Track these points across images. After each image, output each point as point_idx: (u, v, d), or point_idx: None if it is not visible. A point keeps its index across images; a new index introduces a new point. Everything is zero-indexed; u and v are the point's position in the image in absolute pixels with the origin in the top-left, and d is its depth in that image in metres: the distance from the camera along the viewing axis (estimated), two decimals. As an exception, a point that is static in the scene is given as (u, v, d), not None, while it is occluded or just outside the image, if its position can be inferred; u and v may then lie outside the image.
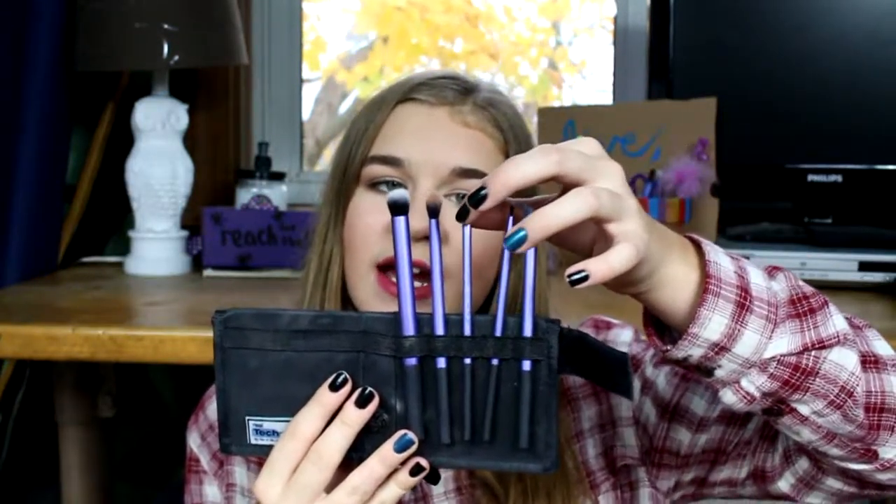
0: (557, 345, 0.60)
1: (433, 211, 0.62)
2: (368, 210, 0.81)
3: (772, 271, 0.63)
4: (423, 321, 0.61)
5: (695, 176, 1.49)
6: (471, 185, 0.80)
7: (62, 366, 1.51)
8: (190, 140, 1.62)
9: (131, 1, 1.47)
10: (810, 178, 1.58)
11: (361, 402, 0.61)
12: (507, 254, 0.61)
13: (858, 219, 1.60)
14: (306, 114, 2.00)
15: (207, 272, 1.52)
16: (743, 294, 0.59)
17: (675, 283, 0.59)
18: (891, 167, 1.56)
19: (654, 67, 1.63)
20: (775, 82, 1.58)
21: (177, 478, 1.81)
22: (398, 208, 0.61)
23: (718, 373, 0.61)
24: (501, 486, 0.81)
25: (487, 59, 2.07)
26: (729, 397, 0.62)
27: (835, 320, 0.61)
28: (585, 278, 0.54)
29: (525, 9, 2.07)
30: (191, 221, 1.59)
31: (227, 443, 0.64)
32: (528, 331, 0.60)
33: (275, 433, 0.63)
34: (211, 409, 0.92)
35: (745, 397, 0.61)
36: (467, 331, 0.61)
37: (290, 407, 0.62)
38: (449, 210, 0.79)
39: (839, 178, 1.57)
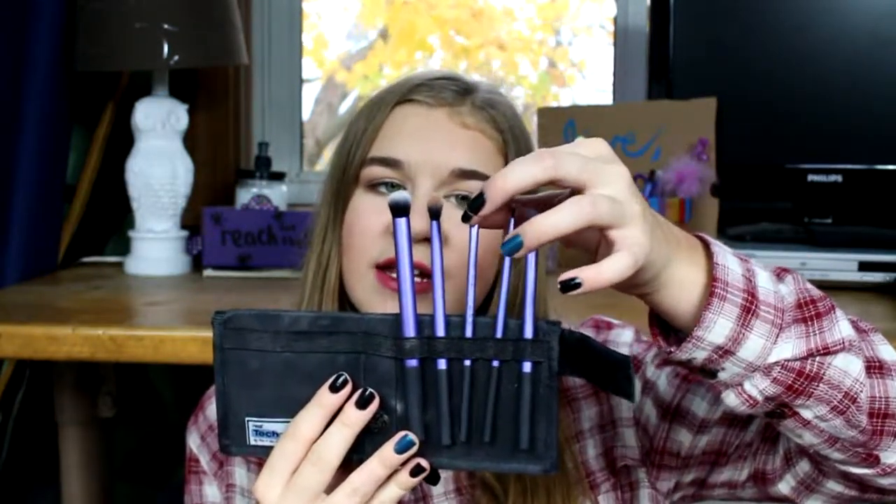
0: (558, 346, 0.60)
1: (434, 213, 0.61)
2: (368, 211, 0.81)
3: (780, 273, 0.63)
4: (424, 323, 0.61)
5: (695, 176, 1.49)
6: (470, 185, 0.80)
7: (62, 366, 1.51)
8: (190, 140, 1.62)
9: (131, 1, 1.47)
10: (810, 178, 1.57)
11: (362, 404, 0.61)
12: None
13: (858, 219, 1.60)
14: (306, 114, 2.00)
15: (207, 272, 1.52)
16: (749, 298, 0.58)
17: (681, 284, 0.59)
18: (891, 167, 1.56)
19: (654, 67, 1.62)
20: (775, 82, 1.58)
21: (177, 478, 1.81)
22: (399, 210, 0.61)
23: (722, 375, 0.61)
24: (501, 486, 0.81)
25: (496, 51, 2.07)
26: (731, 400, 0.62)
27: (841, 326, 0.61)
28: (577, 286, 0.54)
29: (526, 9, 2.07)
30: (191, 221, 1.59)
31: (227, 444, 0.64)
32: (528, 332, 0.60)
33: (274, 434, 0.63)
34: (211, 409, 0.92)
35: (747, 400, 0.61)
36: (468, 332, 0.61)
37: (290, 408, 0.62)
38: (448, 211, 0.79)
39: (839, 178, 1.57)
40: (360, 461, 0.62)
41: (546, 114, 1.65)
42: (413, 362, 0.61)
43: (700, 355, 0.59)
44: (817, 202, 1.61)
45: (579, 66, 2.09)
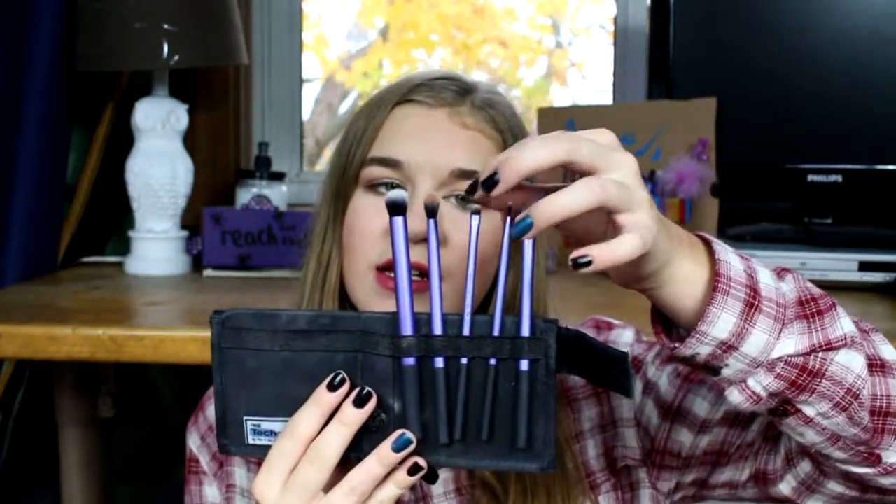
0: (555, 344, 0.60)
1: (431, 211, 0.61)
2: (367, 212, 0.81)
3: (780, 272, 0.63)
4: (422, 321, 0.61)
5: (695, 176, 1.49)
6: (470, 186, 0.80)
7: (62, 366, 1.51)
8: (190, 140, 1.62)
9: (131, 1, 1.47)
10: (810, 178, 1.57)
11: (359, 402, 0.61)
12: (505, 253, 0.61)
13: (858, 219, 1.60)
14: (306, 114, 2.01)
15: (207, 272, 1.52)
16: (752, 293, 0.59)
17: (684, 280, 0.59)
18: (891, 167, 1.56)
19: (654, 67, 1.62)
20: (775, 82, 1.58)
21: (177, 478, 1.82)
22: (396, 208, 0.61)
23: (725, 372, 0.61)
24: (501, 486, 0.81)
25: (498, 47, 2.07)
26: (735, 396, 0.62)
27: (842, 322, 0.61)
28: (588, 263, 0.54)
29: (526, 8, 2.07)
30: (191, 221, 1.59)
31: (226, 443, 0.64)
32: (525, 330, 0.60)
33: (273, 433, 0.63)
34: (210, 409, 0.92)
35: (751, 397, 0.61)
36: (466, 330, 0.61)
37: (288, 407, 0.62)
38: (448, 211, 0.79)
39: (839, 178, 1.56)
40: (359, 460, 0.62)
41: (546, 114, 1.65)
42: (410, 360, 0.61)
43: (704, 351, 0.59)
44: (817, 202, 1.61)
45: (579, 66, 2.09)
